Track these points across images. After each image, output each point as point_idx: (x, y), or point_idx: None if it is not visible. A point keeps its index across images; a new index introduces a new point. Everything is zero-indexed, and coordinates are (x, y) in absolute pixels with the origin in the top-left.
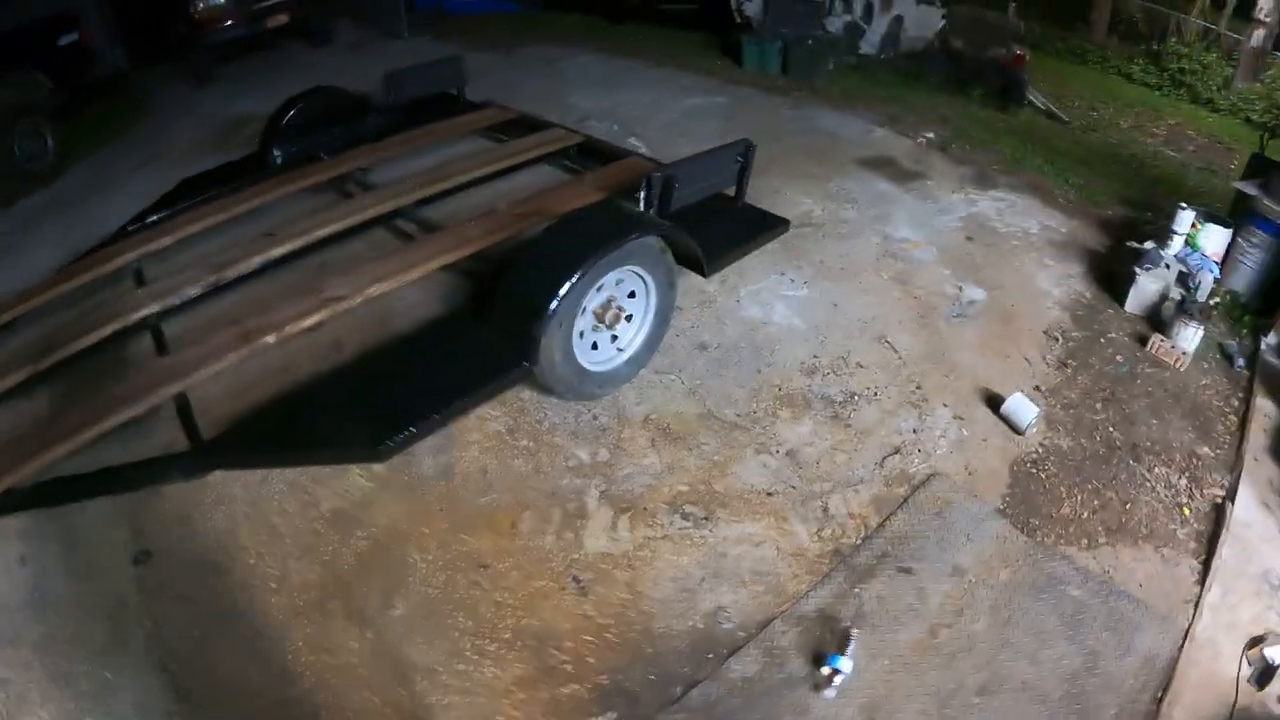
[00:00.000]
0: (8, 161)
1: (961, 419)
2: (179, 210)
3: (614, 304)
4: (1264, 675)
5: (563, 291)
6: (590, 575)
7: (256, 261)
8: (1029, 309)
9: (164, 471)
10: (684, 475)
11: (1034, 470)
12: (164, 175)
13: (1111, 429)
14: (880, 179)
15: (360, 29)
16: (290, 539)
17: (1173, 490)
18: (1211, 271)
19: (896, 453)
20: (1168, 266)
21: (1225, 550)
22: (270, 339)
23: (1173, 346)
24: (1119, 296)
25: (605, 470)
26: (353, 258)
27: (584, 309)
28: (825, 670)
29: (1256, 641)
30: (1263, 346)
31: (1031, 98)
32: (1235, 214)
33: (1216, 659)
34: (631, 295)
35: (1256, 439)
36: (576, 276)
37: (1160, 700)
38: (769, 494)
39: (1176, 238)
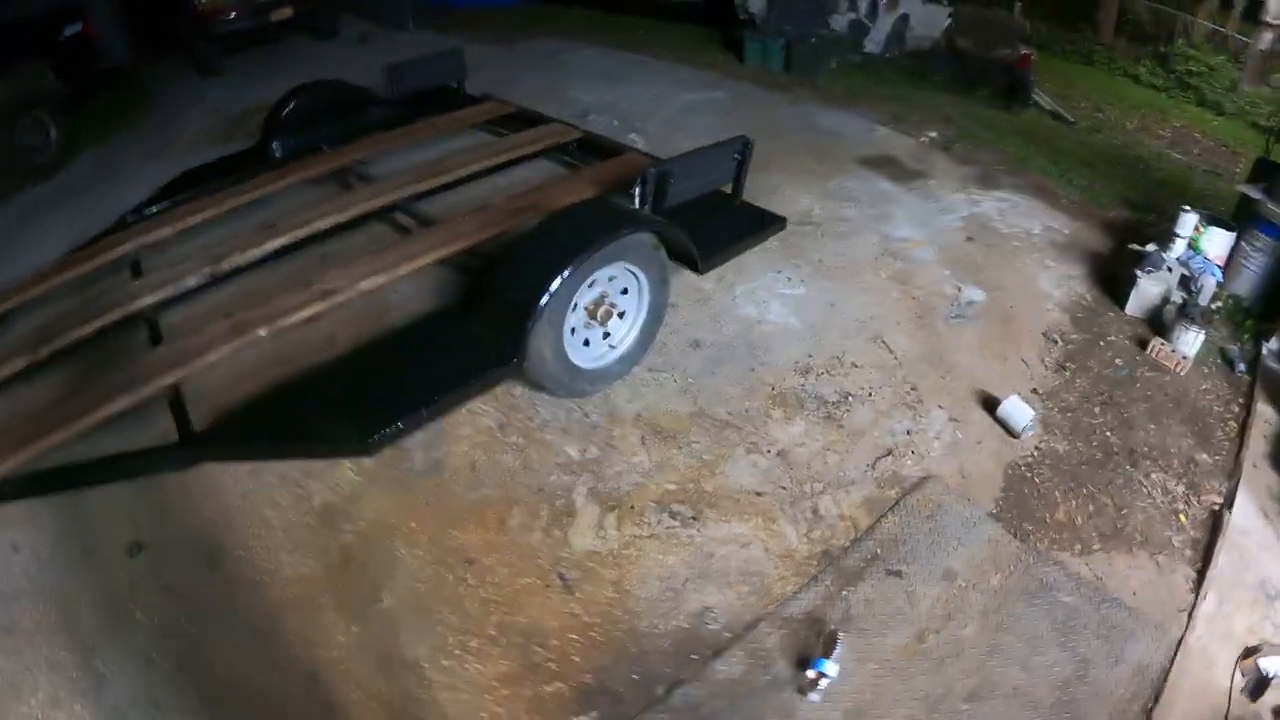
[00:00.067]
0: (11, 154)
1: (957, 421)
2: (177, 202)
3: (606, 301)
4: (1258, 687)
5: (552, 287)
6: (577, 573)
7: (254, 254)
8: (1029, 310)
9: (154, 462)
10: (673, 474)
11: (1029, 474)
12: (169, 167)
13: (1109, 433)
14: (881, 178)
15: (365, 22)
16: (281, 532)
17: (1170, 497)
18: (1214, 275)
19: (889, 454)
20: (1169, 269)
21: (1222, 558)
22: (262, 331)
23: (1173, 350)
24: (1120, 299)
25: (594, 468)
26: (351, 250)
27: (575, 305)
28: (811, 674)
29: (1251, 652)
30: (1264, 352)
31: (1037, 98)
32: (1239, 217)
33: (1210, 669)
34: (624, 292)
35: (1256, 445)
36: (566, 272)
37: (1151, 711)
38: (758, 494)
39: (1179, 240)
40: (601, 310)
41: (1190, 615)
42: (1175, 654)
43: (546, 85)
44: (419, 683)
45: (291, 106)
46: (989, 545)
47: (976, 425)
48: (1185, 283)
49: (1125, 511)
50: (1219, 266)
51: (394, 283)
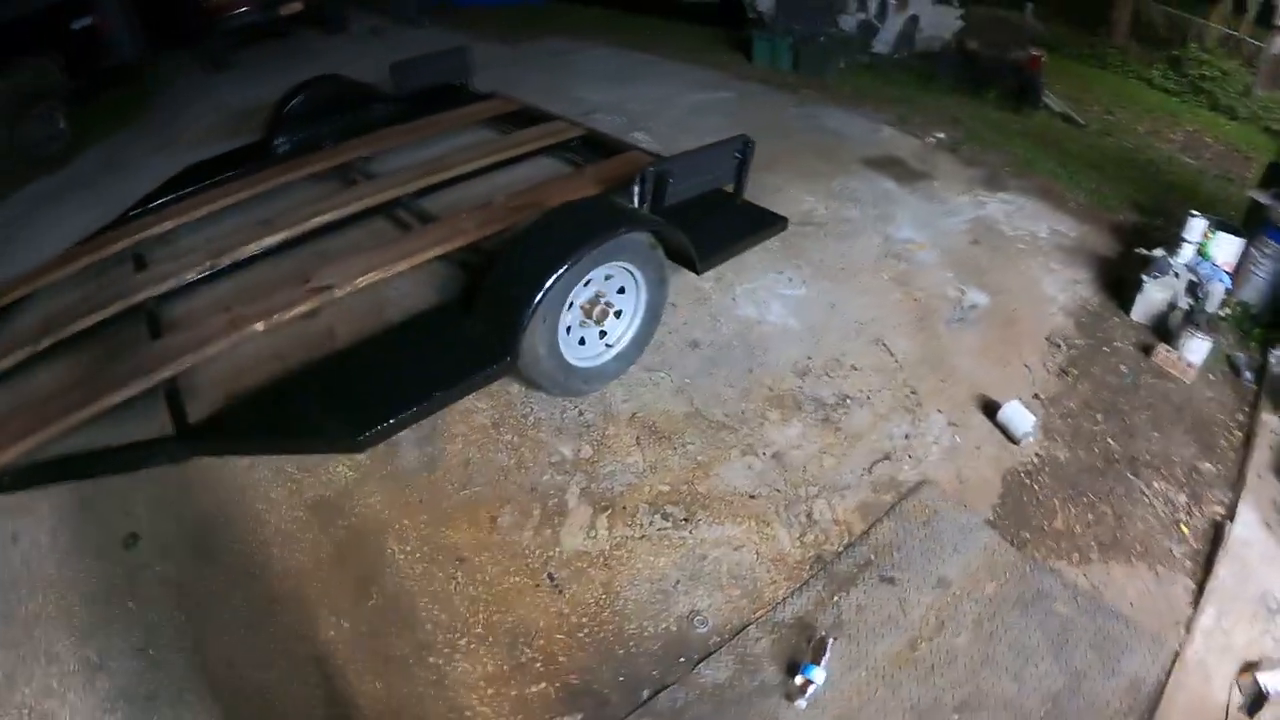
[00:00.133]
0: (22, 145)
1: (956, 426)
2: (181, 196)
3: (602, 299)
4: (1255, 703)
5: (546, 285)
6: (566, 573)
7: (255, 248)
8: (1032, 314)
9: (149, 455)
10: (667, 475)
11: (1028, 481)
12: (178, 160)
13: (1110, 441)
14: (886, 179)
15: (375, 17)
16: (274, 526)
17: (1171, 506)
18: (1222, 281)
19: (886, 458)
20: (1177, 275)
21: (1222, 570)
22: (259, 326)
23: (1179, 357)
24: (1126, 304)
25: (587, 467)
26: (352, 246)
27: (570, 304)
28: (799, 680)
29: (1250, 666)
30: (1271, 360)
31: (1047, 100)
32: (1249, 223)
33: (1207, 684)
34: (621, 291)
35: (1261, 455)
36: (561, 271)
37: None
38: (752, 497)
39: (1187, 246)
40: (597, 309)
41: (1188, 628)
42: (1172, 667)
43: (554, 84)
44: (405, 679)
45: (295, 102)
46: (985, 553)
47: (976, 430)
48: (1192, 289)
49: (1125, 521)
50: (1227, 273)
51: (393, 279)
